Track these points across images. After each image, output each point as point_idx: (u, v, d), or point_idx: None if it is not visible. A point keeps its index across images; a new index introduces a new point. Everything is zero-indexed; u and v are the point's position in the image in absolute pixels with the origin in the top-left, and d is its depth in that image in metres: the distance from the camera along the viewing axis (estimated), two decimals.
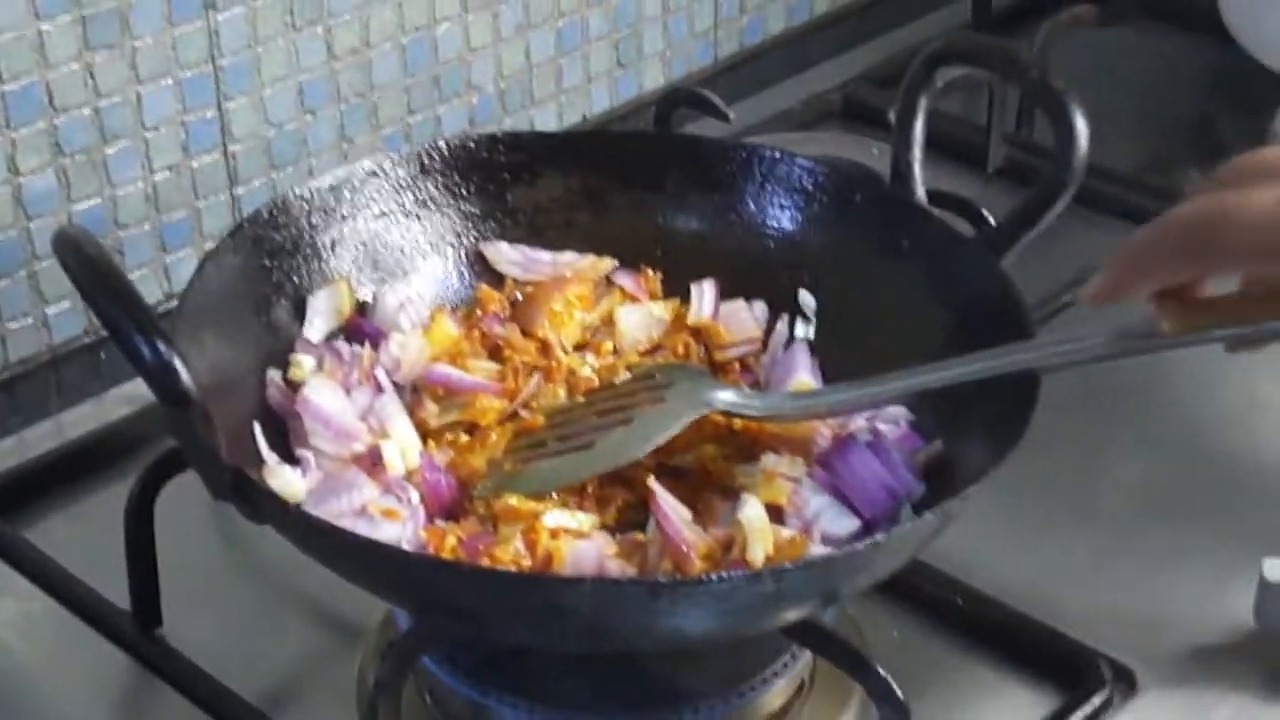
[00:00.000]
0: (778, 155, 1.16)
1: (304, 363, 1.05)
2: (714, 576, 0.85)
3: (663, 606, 0.84)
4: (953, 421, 1.01)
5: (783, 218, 1.15)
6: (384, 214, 1.12)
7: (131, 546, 1.07)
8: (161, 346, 0.85)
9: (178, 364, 0.86)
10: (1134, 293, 0.89)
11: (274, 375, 1.04)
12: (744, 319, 1.13)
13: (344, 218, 1.11)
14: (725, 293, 1.14)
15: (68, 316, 1.34)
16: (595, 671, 0.99)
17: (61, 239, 0.90)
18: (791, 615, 0.91)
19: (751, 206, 1.16)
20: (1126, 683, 1.05)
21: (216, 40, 1.35)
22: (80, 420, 1.28)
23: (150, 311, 0.87)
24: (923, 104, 1.12)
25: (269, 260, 1.07)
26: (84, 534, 1.18)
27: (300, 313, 1.07)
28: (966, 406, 0.99)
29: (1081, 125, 1.04)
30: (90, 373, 1.34)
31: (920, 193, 1.12)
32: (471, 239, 1.15)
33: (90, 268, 0.88)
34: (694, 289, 1.14)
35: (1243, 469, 1.23)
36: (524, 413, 1.05)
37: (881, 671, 0.92)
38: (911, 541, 0.90)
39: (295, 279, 1.08)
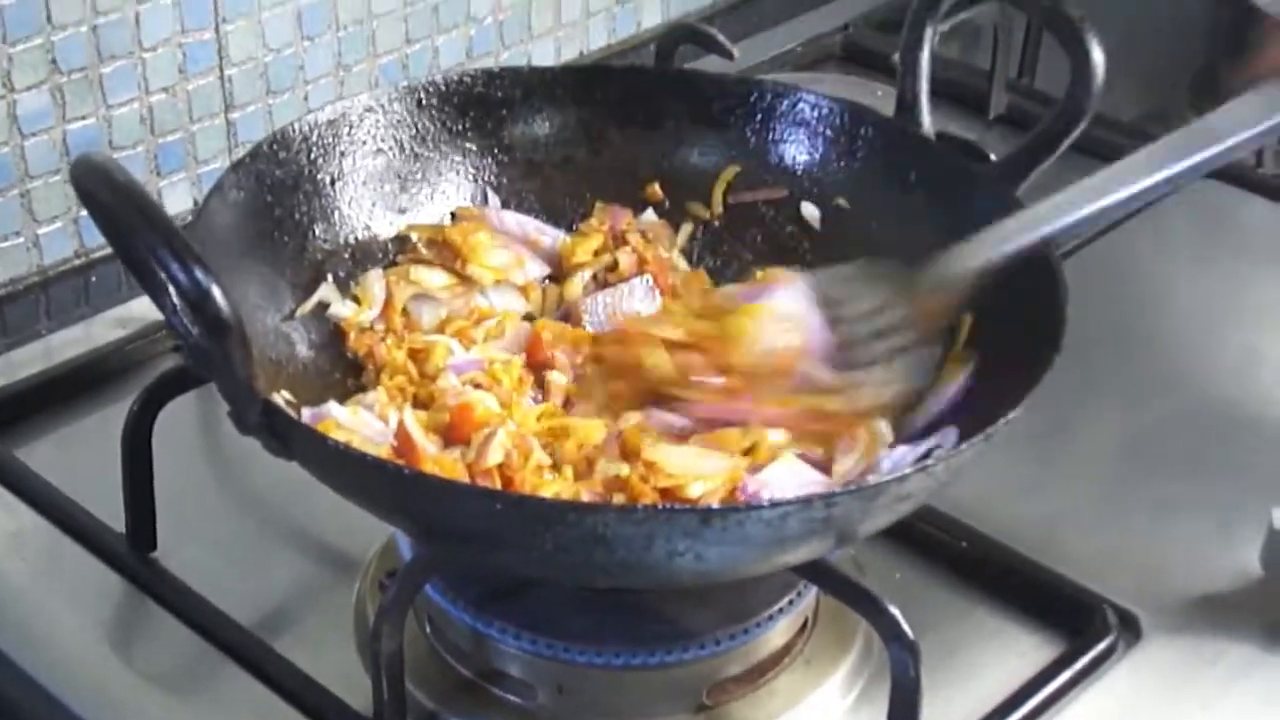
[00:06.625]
0: (781, 89, 1.14)
1: None
2: (768, 501, 0.83)
3: (712, 534, 0.82)
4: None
5: (786, 153, 1.14)
6: (381, 150, 1.11)
7: (129, 468, 1.05)
8: (200, 274, 0.82)
9: (217, 291, 0.83)
10: None
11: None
12: None
13: (343, 154, 1.09)
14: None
15: (58, 237, 1.32)
16: (598, 606, 0.98)
17: (87, 167, 0.86)
18: (830, 545, 0.89)
19: (754, 142, 1.14)
20: (1131, 629, 1.04)
21: None
22: (69, 343, 1.26)
23: (186, 239, 0.83)
24: (929, 34, 1.10)
25: (270, 196, 1.05)
26: (74, 456, 1.16)
27: (300, 250, 1.05)
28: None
29: (1097, 53, 1.03)
30: (80, 295, 1.33)
31: (927, 123, 1.10)
32: (470, 177, 1.13)
33: (124, 195, 0.84)
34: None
35: (1249, 420, 1.22)
36: None
37: (893, 610, 0.91)
38: (956, 466, 0.88)
39: (296, 216, 1.06)
